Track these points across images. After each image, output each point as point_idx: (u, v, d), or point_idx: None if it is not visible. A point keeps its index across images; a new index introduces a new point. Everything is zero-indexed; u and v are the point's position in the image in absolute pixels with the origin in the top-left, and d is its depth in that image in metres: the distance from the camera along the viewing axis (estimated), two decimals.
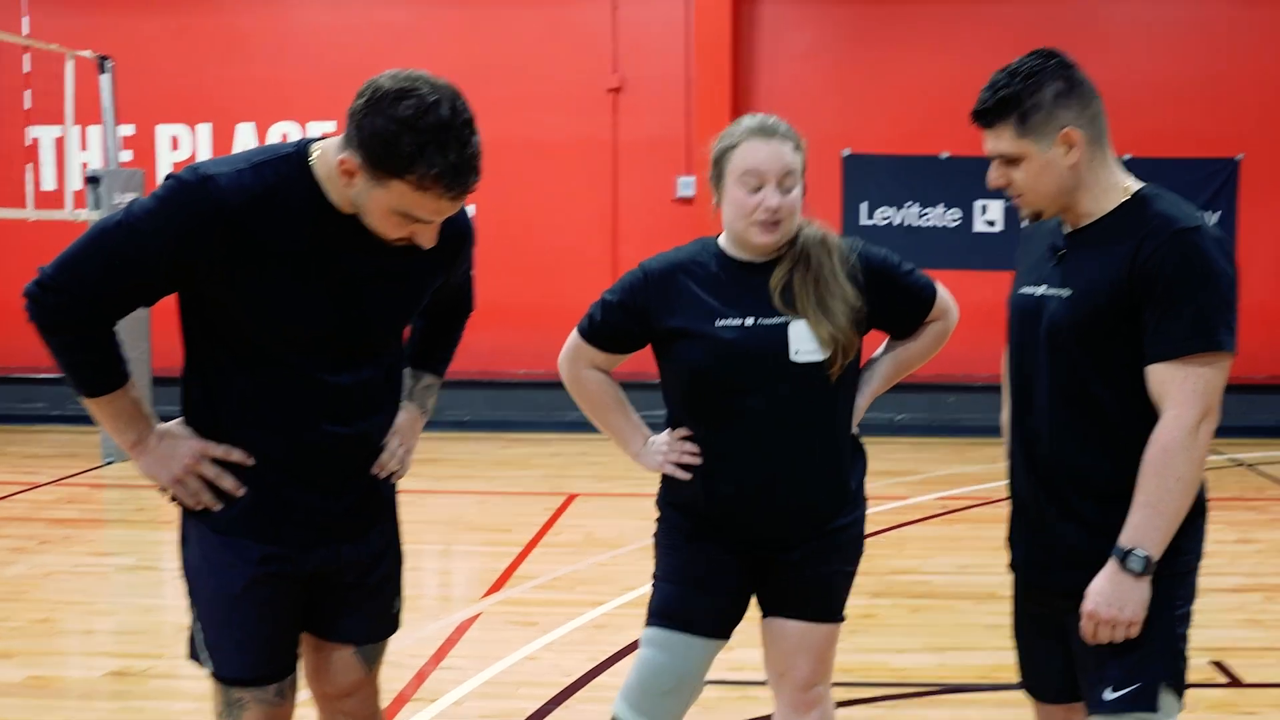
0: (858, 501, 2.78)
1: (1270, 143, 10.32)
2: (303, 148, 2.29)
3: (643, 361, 2.89)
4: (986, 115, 2.36)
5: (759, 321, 2.63)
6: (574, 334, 2.83)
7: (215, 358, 2.34)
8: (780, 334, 2.62)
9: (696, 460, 2.69)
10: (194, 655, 2.47)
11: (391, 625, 2.63)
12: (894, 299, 2.74)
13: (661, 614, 2.75)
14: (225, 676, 2.41)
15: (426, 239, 2.24)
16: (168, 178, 2.24)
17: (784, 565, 2.72)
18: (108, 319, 2.27)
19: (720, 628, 2.76)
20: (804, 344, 2.61)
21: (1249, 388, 9.88)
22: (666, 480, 2.78)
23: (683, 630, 2.72)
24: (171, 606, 5.49)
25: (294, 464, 2.37)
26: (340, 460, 2.42)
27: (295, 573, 2.42)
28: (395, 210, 2.16)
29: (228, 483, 2.36)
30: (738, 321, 2.63)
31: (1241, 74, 10.30)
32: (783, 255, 2.68)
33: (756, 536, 2.71)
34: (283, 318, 2.28)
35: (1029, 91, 2.31)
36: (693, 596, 2.73)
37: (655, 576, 2.80)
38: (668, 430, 2.77)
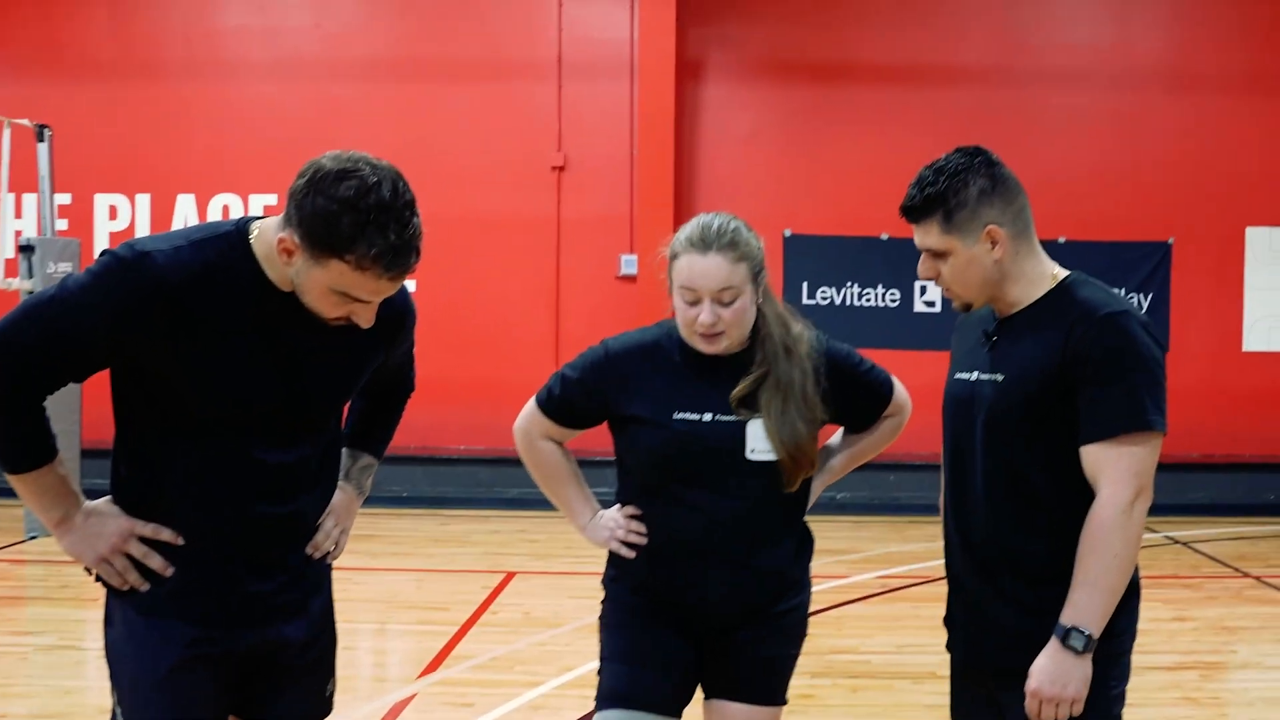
0: (803, 584, 2.79)
1: (1199, 227, 10.61)
2: (242, 226, 2.27)
3: (591, 438, 2.88)
4: (914, 212, 2.44)
5: (716, 418, 2.63)
6: (531, 403, 2.82)
7: (147, 433, 2.30)
8: (738, 431, 2.62)
9: (643, 540, 2.68)
10: None
11: (324, 708, 2.56)
12: (854, 396, 2.77)
13: (613, 695, 2.70)
14: None
15: (365, 319, 2.23)
16: (103, 254, 2.21)
17: (729, 647, 2.71)
18: (37, 394, 2.22)
19: (673, 705, 2.72)
20: (759, 443, 2.62)
21: (1183, 466, 10.03)
22: (614, 558, 2.76)
23: (638, 709, 2.68)
24: (93, 688, 5.32)
25: (226, 543, 2.32)
26: (273, 539, 2.36)
27: (224, 655, 2.35)
28: (334, 289, 2.15)
29: (156, 562, 2.30)
30: (695, 416, 2.63)
31: (1172, 160, 10.61)
32: (747, 354, 2.66)
33: (701, 619, 2.70)
34: (222, 394, 2.24)
35: (954, 190, 2.39)
36: (644, 675, 2.70)
37: (602, 657, 2.76)
38: (617, 506, 2.76)
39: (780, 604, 2.71)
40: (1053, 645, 2.31)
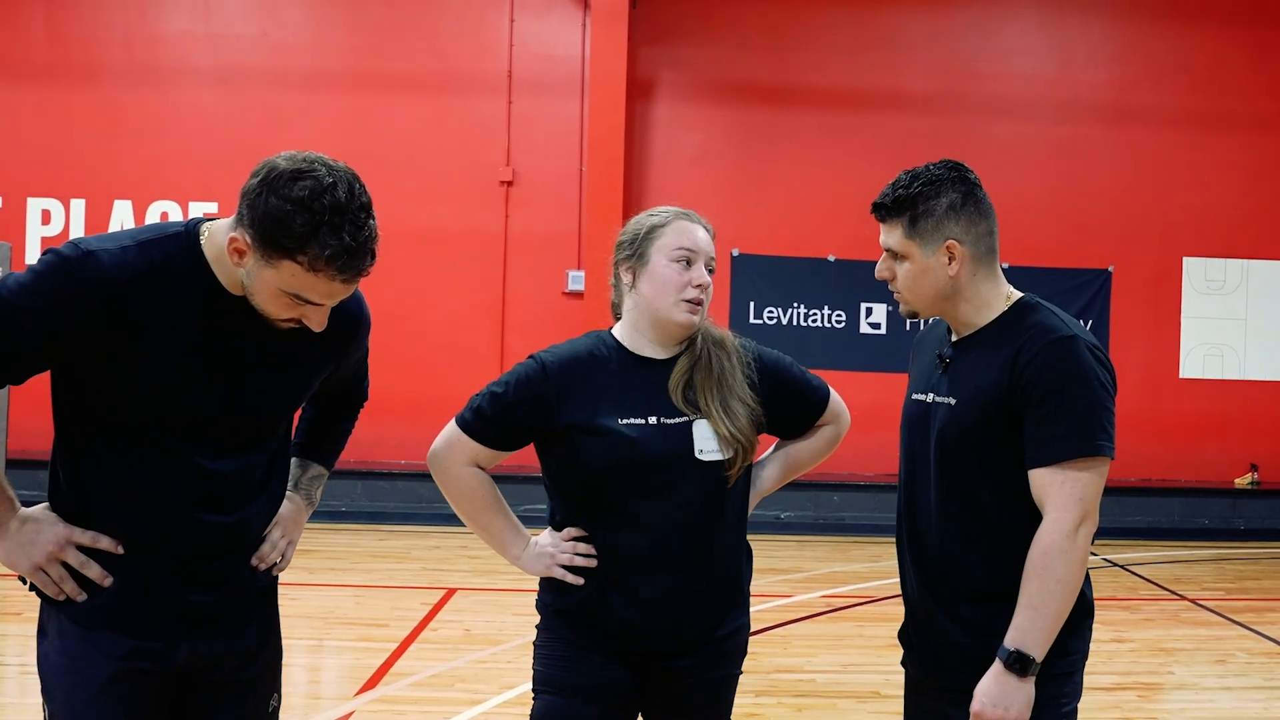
0: (747, 604, 2.73)
1: (1138, 256, 10.81)
2: (193, 227, 2.21)
3: (522, 455, 2.78)
4: (882, 210, 2.46)
5: (661, 420, 2.56)
6: (452, 428, 2.63)
7: (87, 439, 2.21)
8: (684, 433, 2.56)
9: (591, 562, 2.56)
10: None
11: None
12: (788, 400, 2.72)
13: None
14: None
15: (316, 322, 2.16)
16: (47, 251, 2.12)
17: (672, 673, 2.62)
18: None
19: None
20: (707, 443, 2.56)
21: (1122, 490, 10.18)
22: (550, 584, 2.64)
23: None
24: (15, 705, 5.16)
25: (167, 553, 2.24)
26: (216, 550, 2.29)
27: (163, 669, 2.26)
28: (285, 291, 2.09)
29: (94, 571, 2.21)
30: (640, 420, 2.55)
31: (1112, 191, 10.81)
32: (681, 353, 2.64)
33: (653, 644, 2.60)
34: (163, 400, 2.17)
35: (924, 198, 2.40)
36: (578, 708, 2.59)
37: (536, 687, 2.65)
38: (548, 531, 2.65)
39: (724, 626, 2.64)
40: (996, 667, 2.31)
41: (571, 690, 2.59)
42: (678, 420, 2.57)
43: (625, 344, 2.64)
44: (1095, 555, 8.95)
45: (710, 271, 2.62)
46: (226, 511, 2.27)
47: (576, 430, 2.55)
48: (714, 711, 2.68)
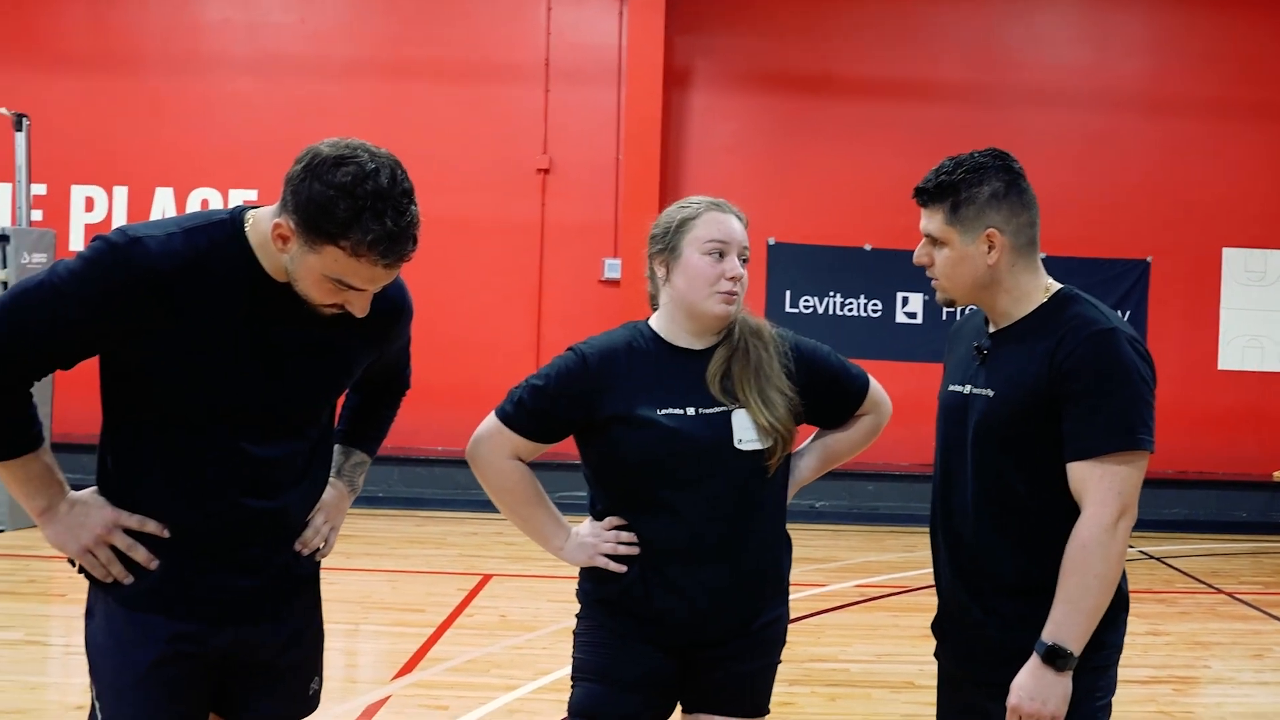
0: (787, 594, 2.72)
1: (1176, 246, 10.70)
2: (238, 214, 2.24)
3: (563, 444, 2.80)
4: (924, 194, 2.44)
5: (700, 411, 2.56)
6: (491, 421, 2.64)
7: (134, 424, 2.26)
8: (724, 422, 2.56)
9: (634, 550, 2.58)
10: None
11: (307, 706, 2.52)
12: (826, 390, 2.70)
13: (583, 714, 2.63)
14: None
15: (358, 307, 2.19)
16: (95, 238, 2.17)
17: (712, 662, 2.63)
18: (23, 379, 2.18)
19: None
20: (746, 433, 2.56)
21: (1157, 482, 10.08)
22: (592, 573, 2.66)
23: None
24: (59, 684, 5.25)
25: (211, 537, 2.28)
26: (259, 535, 2.32)
27: (205, 653, 2.31)
28: (328, 277, 2.12)
29: (140, 554, 2.26)
30: (679, 410, 2.56)
31: (1151, 181, 10.71)
32: (719, 343, 2.64)
33: (695, 633, 2.61)
34: (208, 386, 2.20)
35: (967, 185, 2.39)
36: (618, 697, 2.61)
37: (575, 673, 2.67)
38: (588, 521, 2.66)
39: (763, 616, 2.65)
40: (1033, 662, 2.30)
41: (612, 679, 2.61)
42: (716, 410, 2.57)
43: (662, 335, 2.65)
44: (1131, 548, 8.86)
45: (744, 261, 2.61)
46: (270, 497, 2.30)
47: (616, 422, 2.57)
48: (752, 702, 2.69)
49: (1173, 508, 10.19)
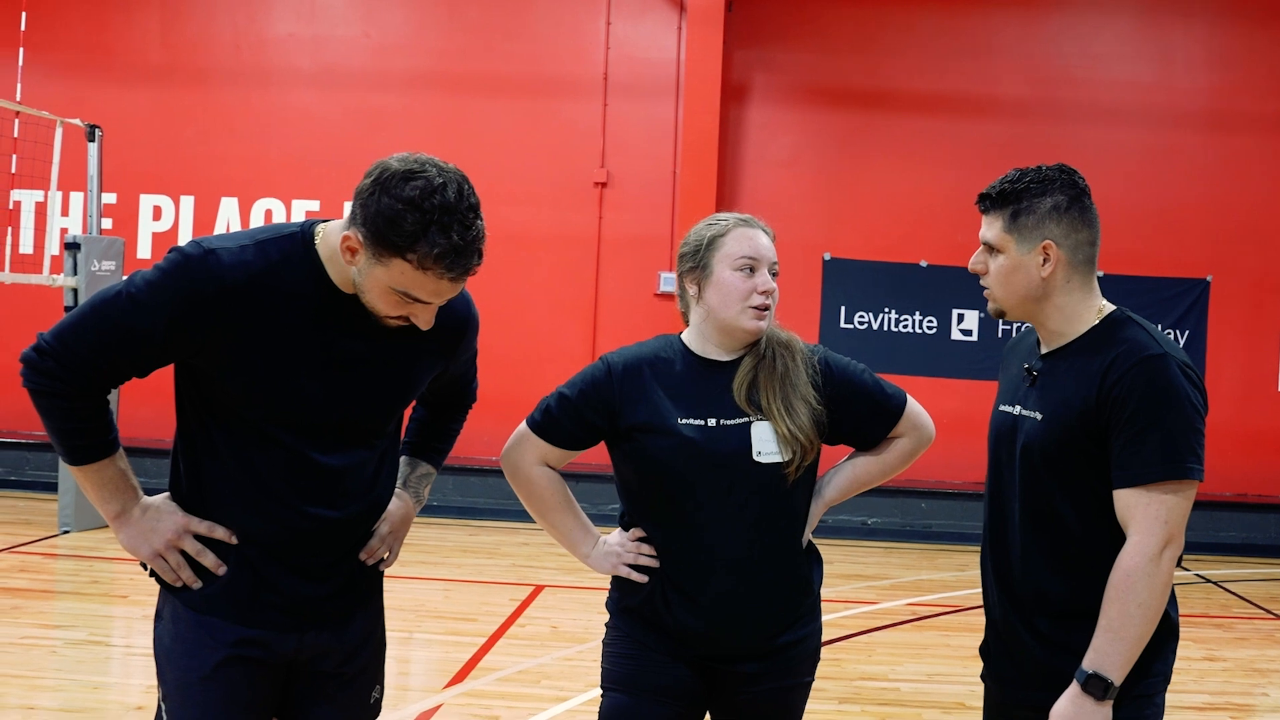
0: (816, 612, 2.71)
1: (1237, 265, 10.54)
2: (308, 227, 2.30)
3: (594, 452, 2.80)
4: (986, 200, 2.46)
5: (721, 422, 2.58)
6: (523, 428, 2.70)
7: (206, 431, 2.32)
8: (743, 434, 2.57)
9: (654, 562, 2.61)
10: None
11: (370, 714, 2.57)
12: (856, 404, 2.67)
13: None
14: None
15: (424, 320, 2.24)
16: (171, 250, 2.24)
17: (739, 678, 2.63)
18: (101, 387, 2.25)
19: None
20: (766, 445, 2.56)
21: (1215, 505, 9.95)
22: (618, 583, 2.69)
23: None
24: (120, 685, 5.36)
25: (279, 545, 2.33)
26: (326, 544, 2.38)
27: (270, 659, 2.36)
28: (394, 289, 2.17)
29: (209, 559, 2.32)
30: (700, 421, 2.58)
31: (1211, 199, 10.56)
32: (746, 353, 2.65)
33: (712, 647, 2.62)
34: (276, 395, 2.26)
35: (1030, 194, 2.40)
36: (645, 707, 2.63)
37: (603, 683, 2.70)
38: (618, 530, 2.69)
39: (795, 631, 2.64)
40: (1073, 689, 2.29)
41: (637, 689, 2.63)
42: (738, 421, 2.58)
43: (692, 348, 2.68)
44: (1188, 570, 8.76)
45: (774, 275, 2.63)
46: (337, 507, 2.35)
47: (637, 431, 2.60)
48: None
49: (1230, 530, 10.02)
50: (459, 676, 5.54)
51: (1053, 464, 2.36)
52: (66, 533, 8.47)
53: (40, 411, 2.26)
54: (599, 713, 2.69)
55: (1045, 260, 2.38)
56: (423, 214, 2.09)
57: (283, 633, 2.36)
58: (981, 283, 2.49)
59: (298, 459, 2.30)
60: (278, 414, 2.27)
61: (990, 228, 2.44)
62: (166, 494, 2.39)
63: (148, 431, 8.83)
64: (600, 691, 2.72)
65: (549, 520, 2.74)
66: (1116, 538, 2.30)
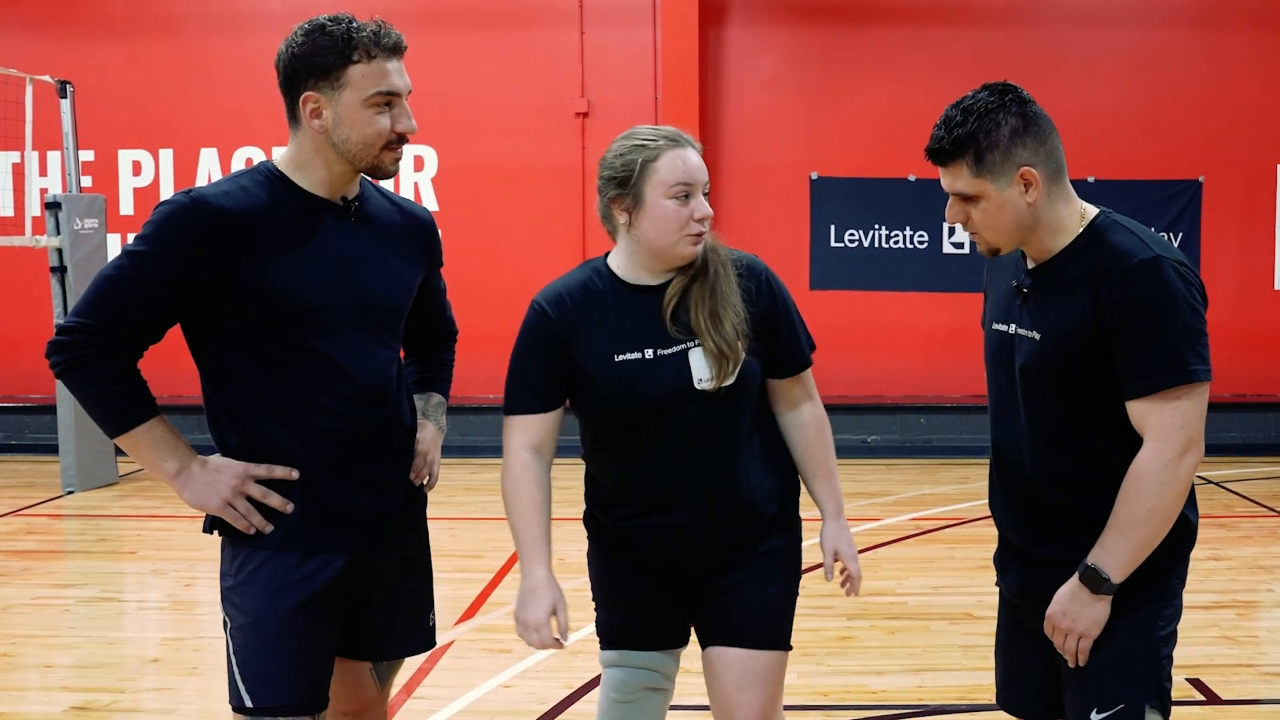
0: (792, 524, 2.70)
1: (1230, 165, 10.47)
2: (263, 162, 2.47)
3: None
4: (941, 154, 2.32)
5: (658, 353, 2.53)
6: (505, 422, 2.64)
7: (239, 374, 2.38)
8: (681, 362, 2.52)
9: (561, 646, 2.56)
10: (237, 705, 2.40)
11: (430, 639, 2.67)
12: (777, 329, 2.62)
13: (608, 638, 2.76)
14: (268, 705, 2.36)
15: (407, 120, 2.38)
16: (159, 205, 2.35)
17: (718, 591, 2.64)
18: (131, 351, 2.33)
19: (670, 641, 2.75)
20: (704, 371, 2.52)
21: (1214, 406, 9.88)
22: (591, 500, 2.72)
23: (634, 648, 2.73)
24: (136, 639, 5.40)
25: (336, 460, 2.41)
26: (379, 449, 2.46)
27: (342, 590, 2.43)
28: (368, 96, 2.33)
29: (274, 500, 2.39)
30: (637, 355, 2.53)
31: (1201, 99, 10.45)
32: (676, 274, 2.58)
33: (672, 569, 2.65)
34: (294, 299, 2.34)
35: (984, 130, 2.26)
36: (635, 621, 2.72)
37: (595, 601, 2.76)
38: (550, 610, 2.55)
39: (763, 543, 2.63)
40: (1073, 581, 2.32)
41: (624, 607, 2.72)
42: (674, 349, 2.53)
43: (619, 274, 2.61)
44: None
45: (705, 196, 2.54)
46: (379, 406, 2.45)
47: (580, 372, 2.57)
48: (767, 631, 2.64)
49: (1231, 431, 10.07)
50: (469, 612, 5.58)
51: (1059, 382, 2.33)
52: (71, 493, 8.49)
53: (78, 385, 2.33)
54: (595, 625, 2.79)
55: (1027, 187, 2.28)
56: (329, 29, 2.33)
57: (354, 556, 2.43)
58: (965, 229, 2.40)
59: (327, 365, 2.38)
60: (299, 318, 2.35)
61: (957, 178, 2.30)
62: (218, 454, 2.44)
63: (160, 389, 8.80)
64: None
65: (511, 512, 2.61)
66: (1124, 449, 2.28)
